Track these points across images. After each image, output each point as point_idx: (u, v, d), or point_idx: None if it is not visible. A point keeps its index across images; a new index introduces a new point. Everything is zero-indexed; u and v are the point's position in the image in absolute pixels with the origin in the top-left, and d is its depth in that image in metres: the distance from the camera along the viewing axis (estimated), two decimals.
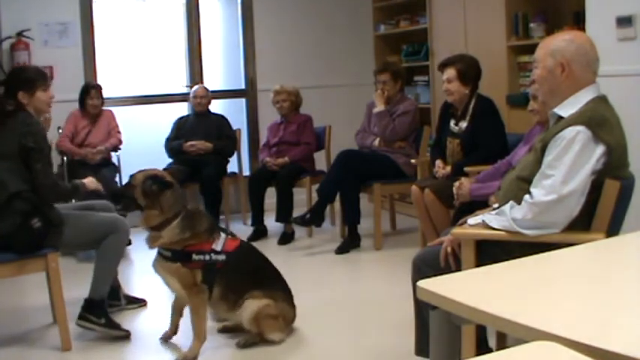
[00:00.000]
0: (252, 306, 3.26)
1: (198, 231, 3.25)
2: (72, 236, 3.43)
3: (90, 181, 3.67)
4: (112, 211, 3.70)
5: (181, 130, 5.85)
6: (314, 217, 5.09)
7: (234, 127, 6.04)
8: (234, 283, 3.30)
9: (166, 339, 3.49)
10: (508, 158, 3.75)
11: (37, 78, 3.50)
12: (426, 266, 2.66)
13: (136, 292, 4.13)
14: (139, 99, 6.24)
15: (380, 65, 5.40)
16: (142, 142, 6.08)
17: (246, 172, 6.30)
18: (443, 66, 4.50)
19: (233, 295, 3.30)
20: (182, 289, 3.25)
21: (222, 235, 3.33)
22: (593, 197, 2.41)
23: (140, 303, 3.98)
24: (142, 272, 4.25)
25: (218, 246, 3.25)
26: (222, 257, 3.24)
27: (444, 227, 3.71)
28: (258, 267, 3.45)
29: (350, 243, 5.09)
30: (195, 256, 3.21)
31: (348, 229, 5.15)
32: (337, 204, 5.34)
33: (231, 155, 5.90)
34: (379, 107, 5.21)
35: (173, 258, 3.23)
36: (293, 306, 3.46)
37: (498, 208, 2.56)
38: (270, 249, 5.30)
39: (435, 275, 1.79)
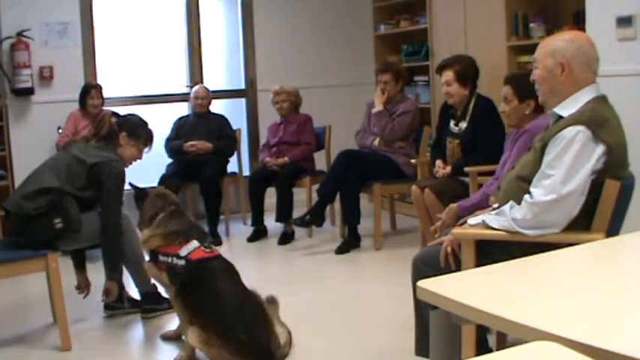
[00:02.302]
0: (192, 338, 3.05)
1: (167, 231, 3.25)
2: (82, 238, 3.55)
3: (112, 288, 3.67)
4: None
5: (181, 130, 5.84)
6: (314, 218, 5.09)
7: (234, 127, 6.04)
8: (188, 294, 3.14)
9: (167, 338, 3.49)
10: (495, 176, 3.61)
11: (144, 136, 3.81)
12: (426, 266, 2.66)
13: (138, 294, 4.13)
14: (139, 99, 6.23)
15: (381, 65, 5.39)
16: None
17: (246, 172, 6.30)
18: (440, 69, 4.50)
19: (188, 308, 3.13)
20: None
21: (194, 242, 3.20)
22: (593, 197, 2.41)
23: (143, 306, 3.98)
24: None
25: (183, 251, 3.18)
26: (181, 263, 3.16)
27: (443, 227, 3.71)
28: (216, 295, 3.08)
29: (350, 243, 5.09)
30: (160, 257, 3.24)
31: (348, 229, 5.15)
32: (337, 204, 5.34)
33: (231, 155, 5.90)
34: (378, 107, 5.21)
35: (149, 258, 3.33)
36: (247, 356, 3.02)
37: (498, 208, 2.56)
38: (270, 249, 5.32)
39: (435, 275, 1.79)
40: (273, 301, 3.32)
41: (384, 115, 5.18)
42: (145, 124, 3.88)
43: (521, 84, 3.45)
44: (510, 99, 3.50)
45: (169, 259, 3.19)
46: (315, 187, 5.32)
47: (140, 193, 3.47)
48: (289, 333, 3.23)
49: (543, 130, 2.64)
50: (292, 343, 3.22)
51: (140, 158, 3.85)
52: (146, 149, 3.86)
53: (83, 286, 3.84)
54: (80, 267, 3.84)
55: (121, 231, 3.61)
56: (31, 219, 3.38)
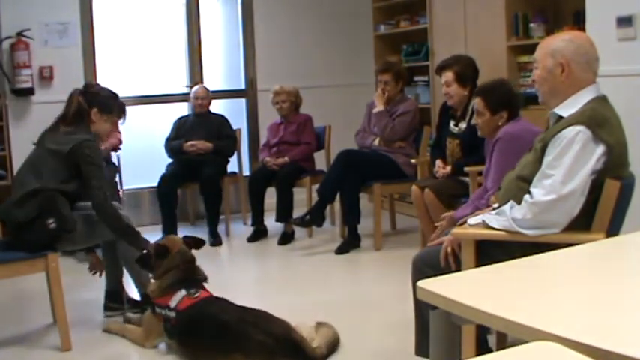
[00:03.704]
0: None
1: (166, 284, 3.32)
2: (82, 238, 3.53)
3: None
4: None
5: (181, 130, 5.84)
6: (314, 218, 5.09)
7: (234, 127, 6.04)
8: (190, 342, 3.14)
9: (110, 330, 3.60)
10: (483, 187, 3.51)
11: (116, 108, 3.66)
12: (426, 266, 2.66)
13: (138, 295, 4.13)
14: (139, 99, 6.23)
15: (382, 65, 5.39)
16: (142, 142, 6.08)
17: (246, 172, 6.30)
18: (440, 69, 4.50)
19: (198, 353, 3.13)
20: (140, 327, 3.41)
21: (182, 291, 3.23)
22: (593, 197, 2.41)
23: (142, 307, 3.98)
24: None
25: (173, 302, 3.21)
26: (172, 314, 3.19)
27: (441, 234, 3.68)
28: (214, 322, 3.07)
29: (350, 243, 5.08)
30: (157, 309, 3.29)
31: (348, 229, 5.15)
32: (337, 204, 5.34)
33: (231, 155, 5.90)
34: (379, 107, 5.21)
35: (151, 308, 3.38)
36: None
37: (498, 208, 2.56)
38: (270, 249, 5.32)
39: (435, 275, 1.79)
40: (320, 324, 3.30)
41: (385, 115, 5.18)
42: (116, 95, 3.71)
43: (493, 96, 3.40)
44: (482, 111, 3.42)
45: (163, 311, 3.24)
46: (315, 187, 5.31)
47: (162, 251, 3.42)
48: (327, 341, 3.14)
49: (544, 130, 2.64)
50: (330, 347, 3.14)
51: (117, 131, 3.76)
52: (120, 121, 3.74)
53: (96, 265, 3.78)
54: (89, 248, 3.78)
55: (112, 208, 3.50)
56: (25, 224, 3.35)
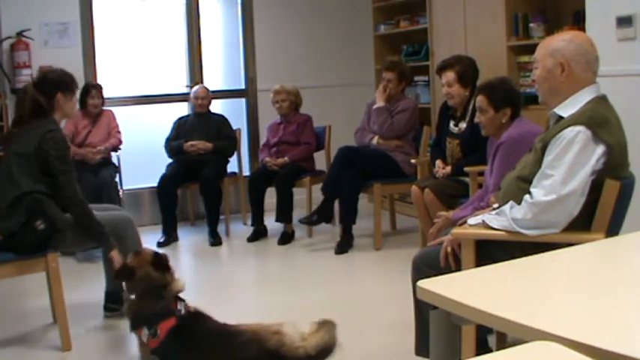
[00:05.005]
0: None
1: (129, 315, 2.99)
2: (77, 239, 3.49)
3: (115, 256, 3.42)
4: (118, 210, 3.70)
5: (181, 130, 5.84)
6: (321, 218, 5.10)
7: (234, 127, 6.04)
8: None
9: None
10: (484, 188, 3.48)
11: (73, 84, 3.57)
12: (426, 266, 2.66)
13: None
14: (139, 99, 6.24)
15: (388, 63, 5.38)
16: (142, 142, 6.08)
17: (246, 172, 6.30)
18: (441, 69, 4.49)
19: None
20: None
21: (145, 331, 2.86)
22: (593, 197, 2.41)
23: None
24: None
25: (144, 338, 2.88)
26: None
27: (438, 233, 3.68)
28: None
29: (347, 243, 5.07)
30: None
31: (342, 228, 5.11)
32: (337, 204, 5.34)
33: (231, 155, 5.90)
34: (379, 103, 5.23)
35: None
36: None
37: (498, 208, 2.56)
38: (270, 249, 5.32)
39: (435, 275, 1.79)
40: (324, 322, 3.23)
41: (384, 112, 5.19)
42: (62, 69, 3.58)
43: (496, 93, 3.39)
44: (485, 109, 3.40)
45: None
46: (315, 187, 5.32)
47: (127, 273, 3.00)
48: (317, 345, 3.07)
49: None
50: (320, 351, 3.08)
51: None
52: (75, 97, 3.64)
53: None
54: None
55: (83, 203, 3.39)
56: (16, 231, 3.33)
